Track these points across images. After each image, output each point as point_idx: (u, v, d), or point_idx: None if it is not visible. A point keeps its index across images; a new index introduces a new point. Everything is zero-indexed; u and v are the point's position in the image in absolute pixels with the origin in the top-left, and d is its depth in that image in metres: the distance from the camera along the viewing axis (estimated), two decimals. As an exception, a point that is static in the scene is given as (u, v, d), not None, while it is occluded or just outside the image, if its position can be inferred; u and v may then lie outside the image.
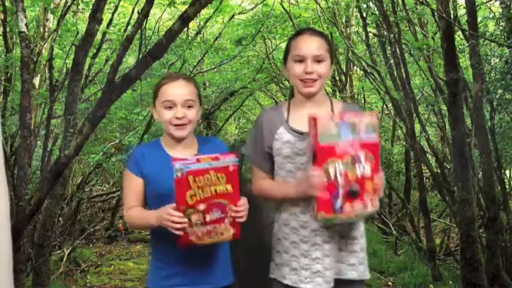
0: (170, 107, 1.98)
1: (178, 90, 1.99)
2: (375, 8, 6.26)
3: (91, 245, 7.67)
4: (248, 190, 2.16)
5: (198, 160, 1.79)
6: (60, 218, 6.83)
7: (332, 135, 1.80)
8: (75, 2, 5.69)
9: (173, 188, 1.77)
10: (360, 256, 2.05)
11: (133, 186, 2.00)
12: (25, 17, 4.05)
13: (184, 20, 3.33)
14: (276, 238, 2.13)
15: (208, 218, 1.80)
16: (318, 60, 2.01)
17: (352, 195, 1.81)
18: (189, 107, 2.00)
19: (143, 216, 1.95)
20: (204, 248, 1.93)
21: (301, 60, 2.01)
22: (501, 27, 5.27)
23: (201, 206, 1.79)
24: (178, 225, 1.77)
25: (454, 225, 6.33)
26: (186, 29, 7.78)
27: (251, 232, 2.22)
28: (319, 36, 2.07)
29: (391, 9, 5.79)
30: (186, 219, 1.78)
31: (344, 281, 2.03)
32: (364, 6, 6.79)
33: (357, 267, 2.04)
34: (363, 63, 7.44)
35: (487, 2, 6.57)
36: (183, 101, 1.98)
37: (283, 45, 11.84)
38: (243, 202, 1.84)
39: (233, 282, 2.08)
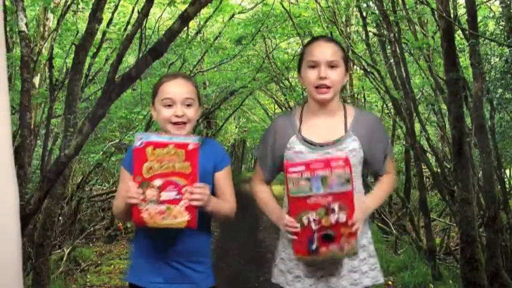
0: (169, 105, 1.98)
1: (177, 89, 1.99)
2: (375, 7, 6.26)
3: (91, 245, 7.67)
4: (246, 190, 2.17)
5: (160, 134, 1.81)
6: (60, 218, 6.83)
7: (305, 189, 1.86)
8: (75, 2, 5.69)
9: None
10: (370, 262, 2.07)
11: (126, 181, 2.00)
12: (25, 16, 4.05)
13: (184, 19, 3.33)
14: (282, 245, 2.14)
15: (163, 195, 1.76)
16: (331, 66, 2.00)
17: (327, 239, 1.88)
18: (188, 105, 1.99)
19: (117, 201, 1.99)
20: (184, 242, 1.93)
21: (315, 66, 2.01)
22: (501, 27, 5.26)
23: (157, 182, 1.76)
24: (134, 195, 1.76)
25: (454, 225, 6.33)
26: (186, 28, 7.78)
27: (247, 233, 2.23)
28: (334, 43, 2.08)
29: (391, 9, 5.79)
30: (140, 190, 1.76)
31: None
32: (364, 5, 6.79)
33: (369, 274, 2.06)
34: (363, 63, 7.44)
35: (487, 2, 6.57)
36: (182, 99, 1.98)
37: (283, 44, 11.94)
38: (201, 185, 1.81)
39: (213, 285, 2.07)
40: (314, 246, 1.88)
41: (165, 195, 1.77)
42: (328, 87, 2.00)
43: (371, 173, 2.12)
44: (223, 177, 2.04)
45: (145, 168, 1.76)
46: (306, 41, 9.27)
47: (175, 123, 1.98)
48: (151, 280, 1.98)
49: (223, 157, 2.08)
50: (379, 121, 2.19)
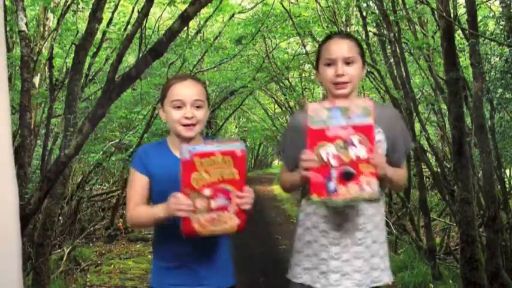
0: (179, 107, 1.98)
1: (187, 90, 1.99)
2: (375, 7, 6.26)
3: (91, 244, 7.68)
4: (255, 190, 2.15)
5: (205, 144, 1.81)
6: (60, 217, 6.83)
7: (323, 119, 1.79)
8: (75, 1, 5.69)
9: (179, 184, 1.76)
10: (385, 260, 2.07)
11: (139, 184, 1.99)
12: (25, 16, 4.05)
13: (184, 19, 3.34)
14: (303, 241, 2.11)
15: (213, 204, 1.77)
16: (348, 62, 2.00)
17: (346, 177, 1.78)
18: (197, 107, 1.99)
19: (150, 212, 1.94)
20: (206, 244, 1.92)
21: (332, 63, 2.01)
22: (501, 26, 5.27)
23: (207, 191, 1.77)
24: (185, 207, 1.75)
25: (454, 225, 6.33)
26: (186, 28, 7.78)
27: (253, 231, 2.21)
28: (349, 38, 2.07)
29: (391, 8, 5.79)
30: (190, 202, 1.76)
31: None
32: (364, 5, 6.79)
33: (386, 272, 2.06)
34: (363, 62, 7.42)
35: (487, 1, 6.57)
36: (192, 101, 1.98)
37: (283, 44, 11.93)
38: (248, 189, 1.81)
39: (234, 284, 2.07)
40: (332, 185, 1.78)
41: (215, 203, 1.78)
42: (346, 83, 2.00)
43: (390, 164, 2.09)
44: None
45: (194, 179, 1.76)
46: (306, 40, 9.30)
47: (185, 125, 1.98)
48: (172, 283, 1.98)
49: None
50: (398, 113, 2.20)
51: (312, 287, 2.04)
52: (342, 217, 2.00)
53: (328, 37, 2.11)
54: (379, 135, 2.01)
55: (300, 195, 2.17)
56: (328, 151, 1.79)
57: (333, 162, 1.78)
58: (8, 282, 1.23)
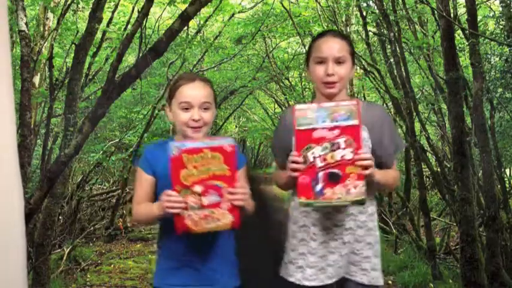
0: (187, 109, 1.97)
1: (196, 92, 1.98)
2: (375, 7, 6.26)
3: (91, 244, 7.68)
4: (257, 188, 2.15)
5: (194, 140, 1.80)
6: (60, 217, 6.84)
7: (309, 121, 1.79)
8: (75, 1, 5.69)
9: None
10: (372, 262, 2.06)
11: (144, 184, 2.00)
12: (25, 15, 4.05)
13: (184, 18, 3.34)
14: (289, 236, 2.13)
15: (205, 200, 1.76)
16: (339, 61, 2.01)
17: (332, 179, 1.78)
18: (205, 109, 1.99)
19: (148, 209, 1.95)
20: (209, 244, 1.92)
21: (322, 61, 2.02)
22: (501, 26, 5.26)
23: (197, 188, 1.76)
24: (176, 204, 1.75)
25: (454, 224, 6.34)
26: (186, 27, 7.78)
27: (259, 230, 2.20)
28: (341, 38, 2.07)
29: (391, 8, 5.79)
30: (181, 198, 1.75)
31: (354, 283, 2.04)
32: (364, 4, 6.79)
33: (369, 273, 2.05)
34: (363, 62, 7.44)
35: (487, 1, 6.57)
36: (200, 103, 1.97)
37: (283, 44, 11.92)
38: (242, 185, 1.81)
39: (239, 285, 2.06)
40: (319, 187, 1.78)
41: (207, 199, 1.77)
42: (335, 82, 2.01)
43: (379, 165, 2.08)
44: (241, 177, 2.03)
45: (184, 175, 1.75)
46: (306, 40, 9.29)
47: (192, 127, 1.98)
48: (174, 283, 1.98)
49: (239, 157, 2.08)
50: (387, 113, 2.20)
51: (288, 280, 2.06)
52: (324, 215, 2.02)
53: (320, 35, 2.11)
54: (363, 133, 2.01)
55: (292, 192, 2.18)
56: (314, 153, 1.79)
57: (319, 164, 1.79)
58: (13, 281, 1.24)
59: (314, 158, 1.79)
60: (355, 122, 1.77)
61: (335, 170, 1.78)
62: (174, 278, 1.98)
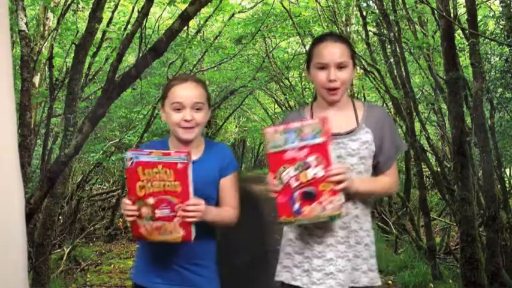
0: (179, 109, 1.98)
1: (187, 92, 1.99)
2: (375, 7, 6.26)
3: (91, 244, 7.68)
4: (248, 189, 2.16)
5: (150, 153, 1.82)
6: (60, 217, 6.84)
7: (279, 143, 1.84)
8: (75, 1, 5.69)
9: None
10: (369, 262, 2.05)
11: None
12: (25, 15, 4.05)
13: (184, 18, 3.34)
14: (286, 239, 2.12)
15: (157, 213, 1.82)
16: (340, 66, 2.00)
17: (307, 197, 1.84)
18: (197, 109, 2.00)
19: None
20: (187, 247, 1.93)
21: (324, 67, 2.01)
22: (501, 26, 5.27)
23: (150, 200, 1.81)
24: (129, 212, 1.81)
25: (454, 224, 6.33)
26: (186, 27, 7.78)
27: (251, 231, 2.20)
28: (342, 42, 2.06)
29: (391, 8, 5.79)
30: (135, 208, 1.81)
31: None
32: (364, 4, 6.79)
33: (368, 274, 2.04)
34: (363, 62, 7.44)
35: (487, 1, 6.57)
36: (192, 104, 1.98)
37: (283, 43, 11.92)
38: (194, 202, 1.82)
39: None
40: (296, 206, 1.85)
41: (159, 212, 1.82)
42: (338, 88, 2.01)
43: (377, 166, 2.08)
44: (228, 184, 2.04)
45: (138, 187, 1.81)
46: (306, 40, 9.29)
47: (184, 128, 1.98)
48: (154, 281, 2.00)
49: (230, 163, 2.07)
50: (387, 115, 2.20)
51: (293, 285, 2.04)
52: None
53: (320, 39, 2.09)
54: (367, 136, 2.02)
55: None
56: (288, 173, 1.85)
57: (294, 184, 1.84)
58: (13, 281, 1.24)
59: (288, 178, 1.85)
60: (322, 139, 1.82)
61: (309, 189, 1.84)
62: (152, 276, 2.00)
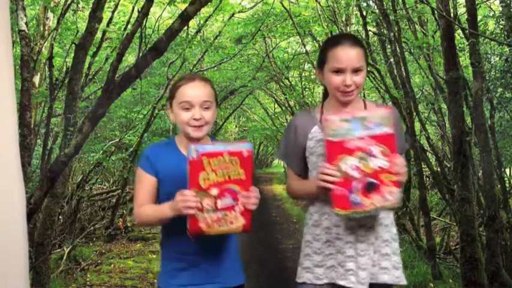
0: (187, 108, 1.98)
1: (196, 91, 1.99)
2: (375, 7, 6.26)
3: (91, 244, 7.68)
4: (258, 188, 2.15)
5: (213, 144, 1.83)
6: (60, 217, 6.84)
7: (342, 131, 1.79)
8: (75, 1, 5.69)
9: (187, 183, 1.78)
10: (392, 259, 2.03)
11: (147, 185, 2.00)
12: (25, 15, 4.05)
13: (184, 18, 3.34)
14: (304, 241, 2.11)
15: (219, 203, 1.79)
16: (356, 70, 1.98)
17: (369, 188, 1.79)
18: (206, 108, 2.00)
19: (157, 209, 1.95)
20: (214, 242, 1.93)
21: (340, 71, 1.98)
22: (501, 26, 5.27)
23: (214, 191, 1.79)
24: (192, 204, 1.76)
25: (454, 224, 6.34)
26: (186, 27, 7.78)
27: (253, 230, 2.20)
28: (358, 45, 2.02)
29: (391, 8, 5.79)
30: (198, 199, 1.77)
31: (379, 285, 2.00)
32: (364, 4, 6.79)
33: (390, 271, 2.01)
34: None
35: (487, 1, 6.57)
36: (200, 102, 1.99)
37: (283, 43, 11.91)
38: (254, 189, 1.83)
39: (243, 283, 2.07)
40: (356, 198, 1.79)
41: (221, 202, 1.80)
42: (353, 91, 1.99)
43: None
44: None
45: (202, 178, 1.78)
46: (306, 40, 9.30)
47: (194, 126, 1.99)
48: (181, 283, 1.98)
49: None
50: (398, 113, 2.19)
51: (317, 284, 2.02)
52: (354, 221, 1.99)
53: (336, 41, 2.04)
54: None
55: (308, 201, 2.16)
56: (349, 163, 1.79)
57: (355, 174, 1.79)
58: (14, 281, 1.25)
59: (349, 168, 1.79)
60: (388, 130, 1.78)
61: (371, 179, 1.79)
62: (180, 279, 1.98)
